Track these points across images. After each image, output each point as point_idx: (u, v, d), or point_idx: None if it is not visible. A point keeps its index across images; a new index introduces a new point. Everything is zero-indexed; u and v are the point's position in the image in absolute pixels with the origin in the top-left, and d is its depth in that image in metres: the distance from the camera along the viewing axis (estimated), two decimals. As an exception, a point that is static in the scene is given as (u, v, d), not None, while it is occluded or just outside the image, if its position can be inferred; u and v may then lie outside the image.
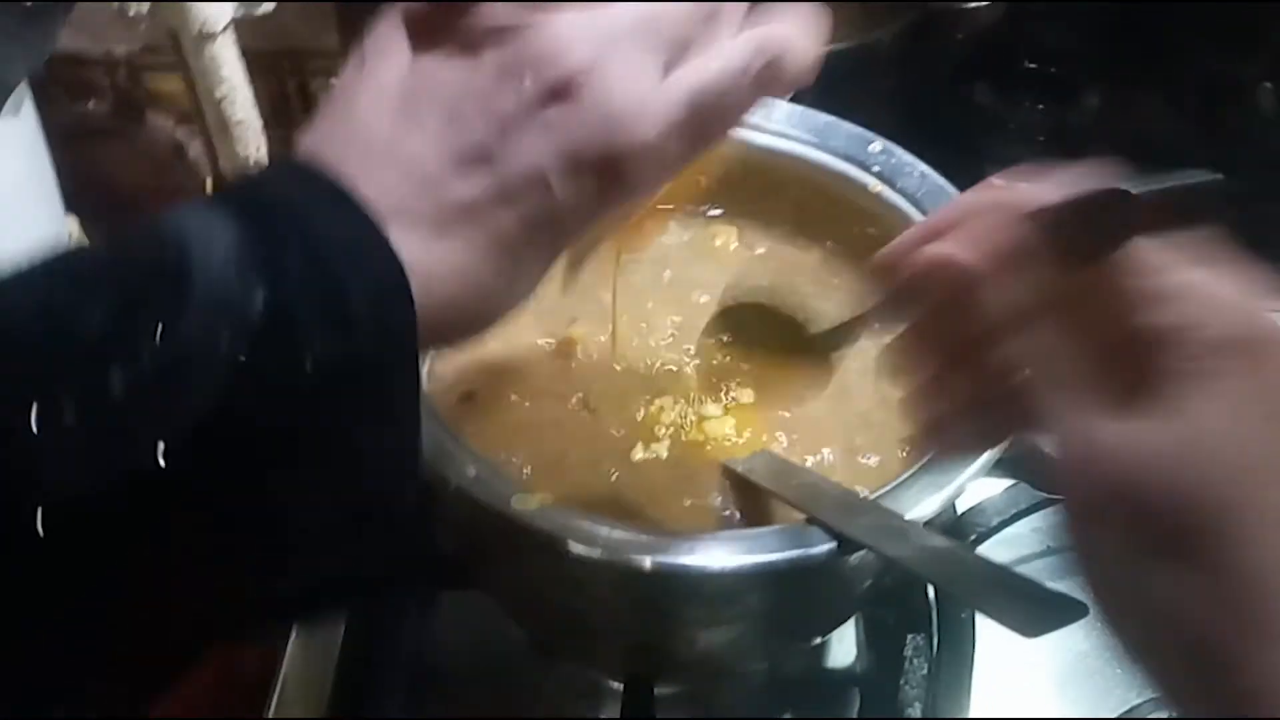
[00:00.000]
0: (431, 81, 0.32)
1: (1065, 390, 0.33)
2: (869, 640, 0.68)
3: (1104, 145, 0.92)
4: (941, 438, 0.39)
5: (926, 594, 0.65)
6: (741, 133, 0.61)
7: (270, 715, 0.63)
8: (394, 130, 0.32)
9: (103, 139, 0.81)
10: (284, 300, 0.28)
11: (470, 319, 0.34)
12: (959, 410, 0.37)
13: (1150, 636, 0.31)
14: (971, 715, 0.61)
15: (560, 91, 0.31)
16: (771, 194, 0.63)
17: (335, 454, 0.30)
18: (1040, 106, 0.98)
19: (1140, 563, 0.30)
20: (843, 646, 0.68)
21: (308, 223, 0.30)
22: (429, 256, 0.31)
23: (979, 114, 0.98)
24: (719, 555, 0.43)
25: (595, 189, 0.32)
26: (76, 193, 0.77)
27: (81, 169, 0.77)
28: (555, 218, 0.32)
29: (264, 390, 0.28)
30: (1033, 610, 0.34)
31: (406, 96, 0.32)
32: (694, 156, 0.34)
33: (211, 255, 0.28)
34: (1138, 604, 0.31)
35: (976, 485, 0.50)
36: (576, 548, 0.43)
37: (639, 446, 0.54)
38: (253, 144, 0.73)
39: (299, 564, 0.31)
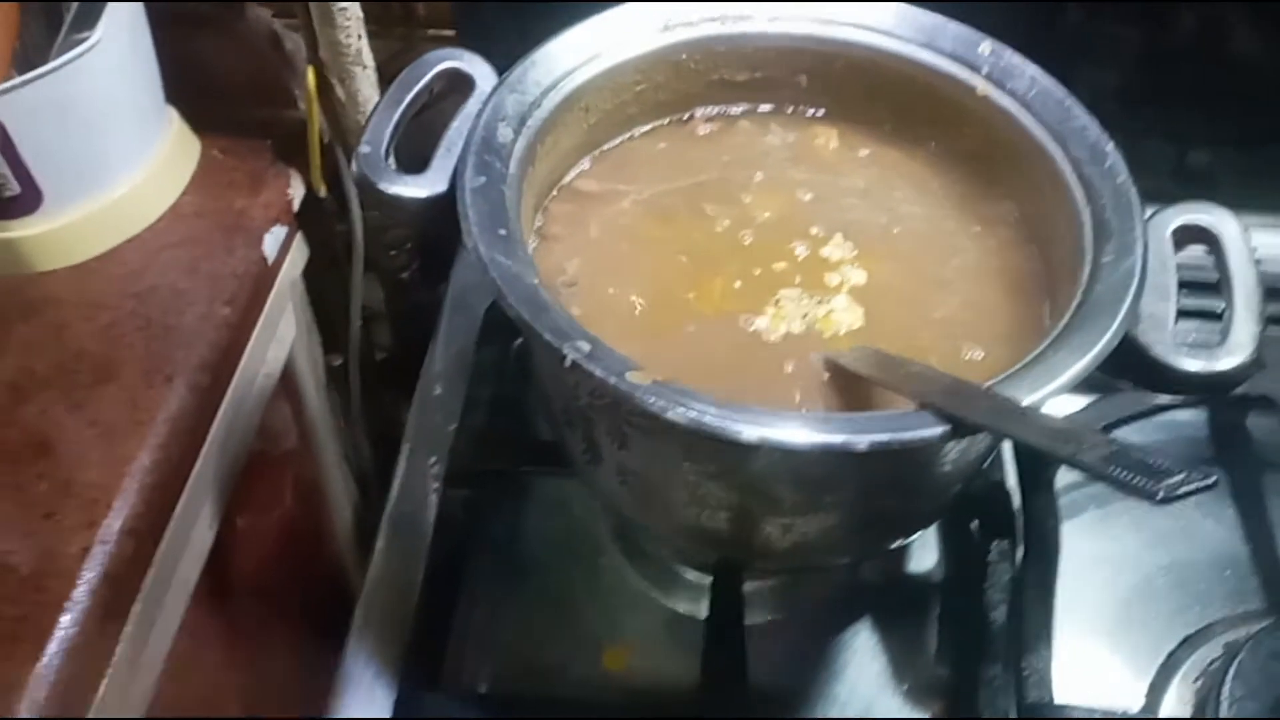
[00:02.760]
0: None
1: None
2: (950, 546, 0.68)
3: (1198, 66, 0.91)
4: None
5: (1010, 502, 0.66)
6: (846, 31, 0.62)
7: (362, 602, 0.65)
8: None
9: (201, 29, 0.81)
10: None
11: None
12: None
13: None
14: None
15: None
16: (875, 95, 0.63)
17: None
18: (1132, 27, 0.96)
19: None
20: (924, 552, 0.69)
21: None
22: None
23: (1069, 33, 0.97)
24: (832, 432, 0.44)
25: None
26: (175, 83, 0.78)
27: (180, 59, 0.77)
28: None
29: None
30: (1163, 478, 0.34)
31: None
32: None
33: None
34: None
35: (1063, 399, 0.50)
36: (686, 419, 0.44)
37: (740, 332, 0.54)
38: (355, 32, 0.73)
39: None
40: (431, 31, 0.84)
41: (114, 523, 0.61)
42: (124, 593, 0.62)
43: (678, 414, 0.44)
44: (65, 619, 0.57)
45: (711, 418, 0.44)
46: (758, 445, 0.44)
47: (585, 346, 0.46)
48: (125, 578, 0.61)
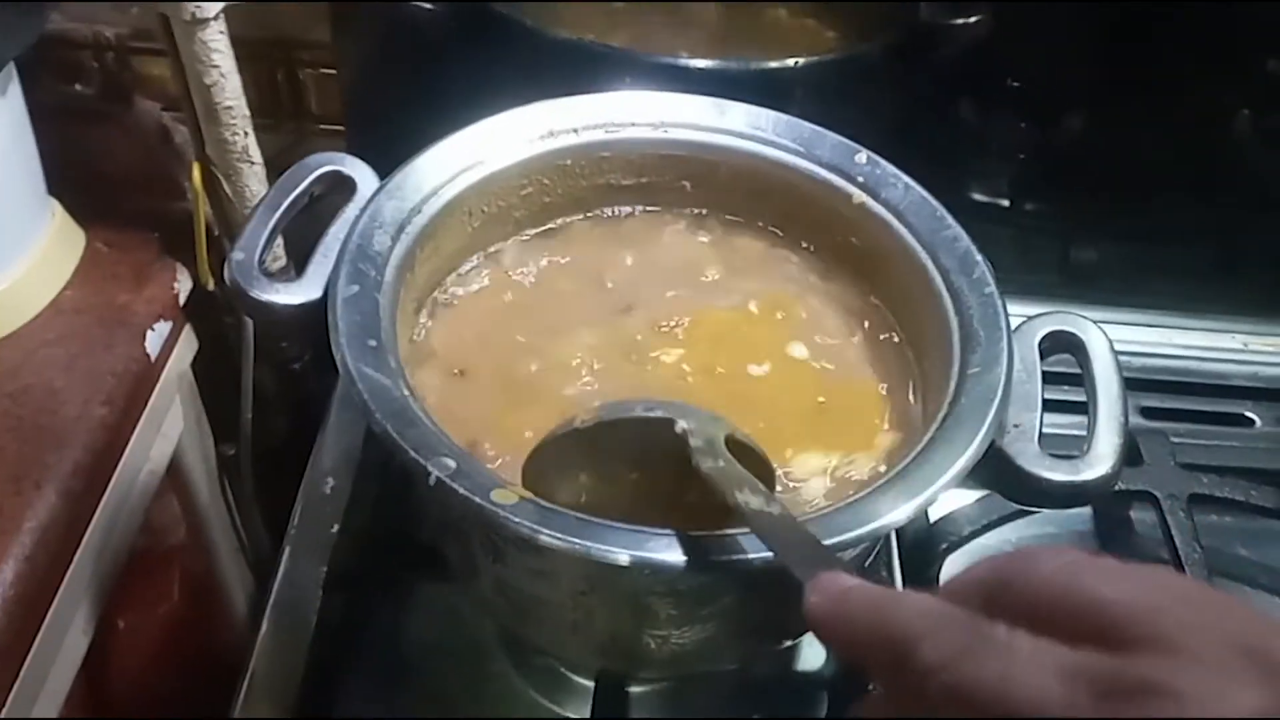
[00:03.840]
0: None
1: None
2: (838, 645, 0.68)
3: (1085, 166, 0.94)
4: None
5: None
6: (727, 139, 0.63)
7: (238, 707, 0.63)
8: None
9: (89, 121, 0.80)
10: None
11: None
12: None
13: None
14: None
15: None
16: (757, 200, 0.64)
17: None
18: (1023, 125, 1.00)
19: None
20: (813, 650, 0.68)
21: None
22: None
23: (963, 130, 0.99)
24: (696, 552, 0.44)
25: None
26: (61, 175, 0.77)
27: (66, 151, 0.76)
28: None
29: None
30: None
31: None
32: None
33: None
34: None
35: (950, 495, 0.51)
36: (553, 542, 0.43)
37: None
38: (240, 131, 0.73)
39: None
40: (323, 126, 0.84)
41: (-27, 639, 0.59)
42: (-18, 711, 0.59)
43: (546, 537, 0.43)
44: (-86, 744, 0.55)
45: (580, 539, 0.44)
46: (630, 567, 0.44)
47: (450, 464, 0.45)
48: (-16, 696, 0.59)
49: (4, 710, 0.61)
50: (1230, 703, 0.25)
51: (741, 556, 0.44)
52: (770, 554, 0.42)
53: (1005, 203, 0.98)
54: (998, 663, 0.27)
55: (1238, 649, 0.26)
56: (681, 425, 0.45)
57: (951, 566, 0.70)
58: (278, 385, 0.93)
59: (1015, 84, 1.00)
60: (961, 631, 0.29)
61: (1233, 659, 0.26)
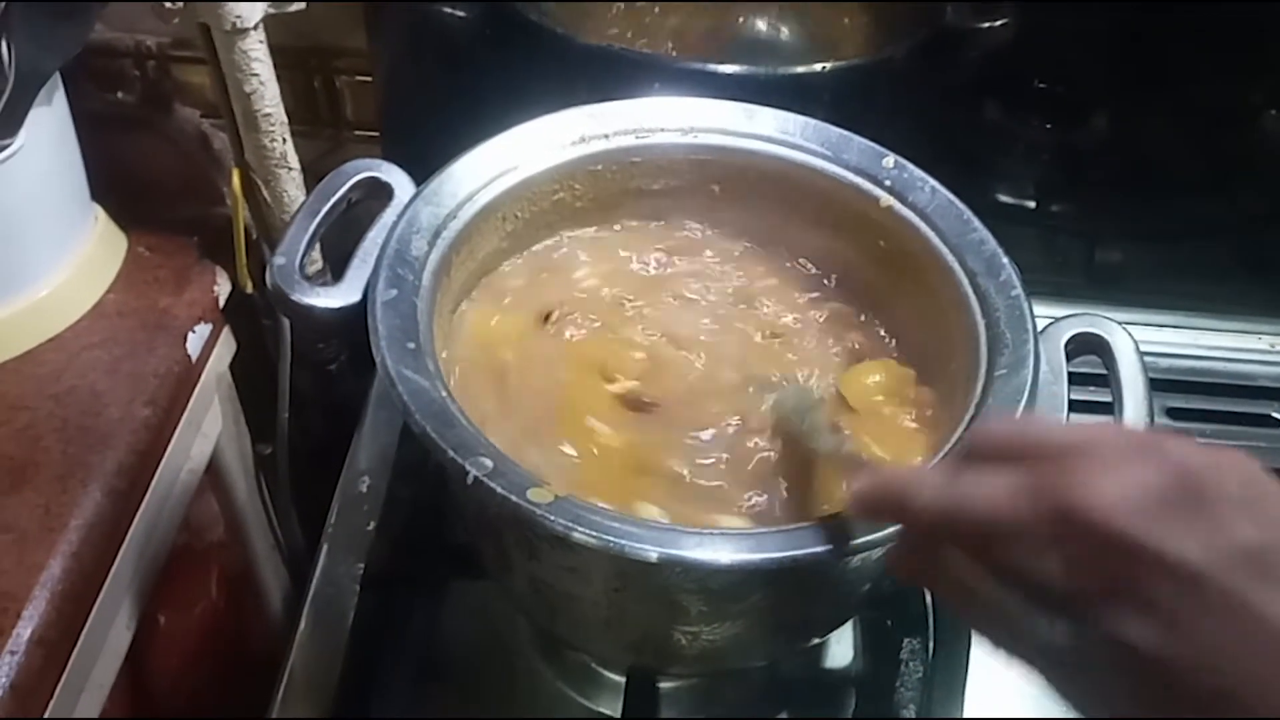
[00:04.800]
0: None
1: None
2: (866, 642, 0.69)
3: (1110, 167, 0.94)
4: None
5: (924, 598, 0.67)
6: (756, 144, 0.64)
7: (277, 703, 0.65)
8: None
9: (131, 128, 0.82)
10: None
11: None
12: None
13: None
14: (965, 716, 0.63)
15: None
16: (786, 204, 0.65)
17: None
18: (1049, 126, 1.00)
19: None
20: (840, 648, 0.69)
21: None
22: None
23: (989, 131, 1.00)
24: (726, 550, 0.45)
25: None
26: (103, 181, 0.78)
27: (108, 158, 0.78)
28: None
29: None
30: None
31: None
32: None
33: None
34: None
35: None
36: (586, 539, 0.45)
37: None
38: (279, 137, 0.74)
39: None
40: (359, 132, 0.85)
41: (23, 632, 0.60)
42: (32, 704, 0.60)
43: (580, 535, 0.45)
44: (-33, 734, 0.56)
45: (613, 537, 0.45)
46: (659, 564, 0.45)
47: (488, 463, 0.46)
48: (33, 689, 0.60)
49: (52, 701, 0.63)
50: (1125, 477, 0.34)
51: (769, 555, 0.45)
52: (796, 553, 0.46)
53: (1031, 204, 0.98)
54: (962, 489, 0.38)
55: (1136, 446, 0.35)
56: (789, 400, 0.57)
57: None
58: (314, 386, 0.94)
59: (1040, 86, 1.00)
60: (940, 476, 0.39)
61: (1131, 452, 0.35)
